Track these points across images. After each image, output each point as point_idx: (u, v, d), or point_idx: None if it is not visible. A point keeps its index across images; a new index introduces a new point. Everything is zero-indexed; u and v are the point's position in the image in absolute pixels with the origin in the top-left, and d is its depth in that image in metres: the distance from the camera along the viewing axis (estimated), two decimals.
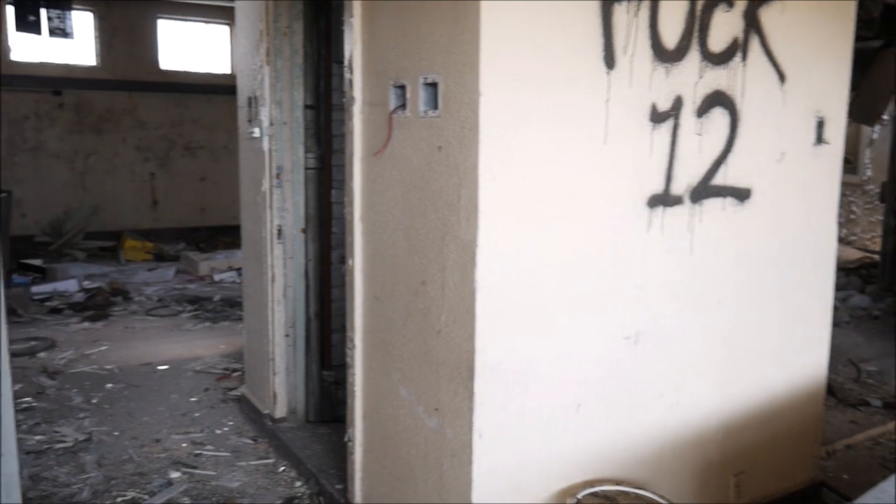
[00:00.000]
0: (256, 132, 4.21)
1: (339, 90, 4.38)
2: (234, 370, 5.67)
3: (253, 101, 4.31)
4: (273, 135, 4.15)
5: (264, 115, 4.15)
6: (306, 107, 4.24)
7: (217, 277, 9.08)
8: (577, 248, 2.66)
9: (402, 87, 2.76)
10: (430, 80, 2.60)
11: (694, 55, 2.83)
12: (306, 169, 4.27)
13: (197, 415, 4.84)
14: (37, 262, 9.56)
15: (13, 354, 5.95)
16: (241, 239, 4.84)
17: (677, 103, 2.82)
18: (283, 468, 4.06)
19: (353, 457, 3.27)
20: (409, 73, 2.71)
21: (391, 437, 3.01)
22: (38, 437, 4.41)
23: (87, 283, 8.61)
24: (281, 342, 4.33)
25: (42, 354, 6.06)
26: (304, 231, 4.31)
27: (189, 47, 12.43)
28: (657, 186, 2.82)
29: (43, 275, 8.79)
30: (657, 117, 2.76)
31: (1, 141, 11.07)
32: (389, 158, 2.87)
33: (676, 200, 2.88)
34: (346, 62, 3.06)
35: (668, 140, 2.81)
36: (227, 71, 12.68)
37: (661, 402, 3.00)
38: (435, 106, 2.60)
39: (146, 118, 12.03)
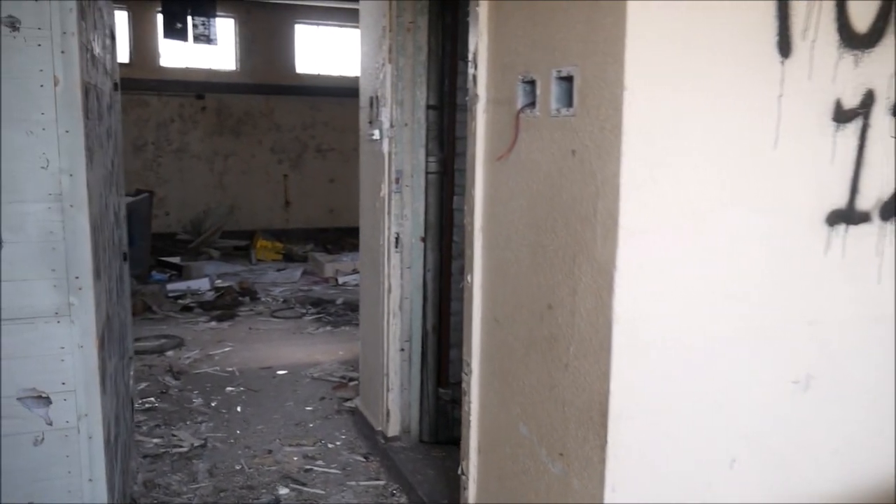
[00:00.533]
0: (376, 134, 4.00)
1: (464, 89, 4.09)
2: (351, 379, 5.51)
3: (374, 102, 4.10)
4: (393, 137, 3.92)
5: (385, 115, 3.93)
6: (429, 107, 3.98)
7: (341, 280, 9.07)
8: (737, 273, 2.21)
9: (532, 83, 2.42)
10: (564, 74, 2.24)
11: (890, 40, 2.31)
12: (427, 173, 4.02)
13: (311, 425, 4.69)
14: (174, 259, 9.92)
15: (143, 352, 6.09)
16: (360, 245, 4.65)
17: (868, 99, 2.30)
18: (393, 492, 3.81)
19: (466, 492, 2.95)
20: (539, 66, 2.37)
21: (508, 478, 2.68)
22: (155, 440, 4.39)
23: (218, 282, 8.82)
24: (395, 357, 4.09)
25: (170, 353, 6.16)
26: (423, 240, 4.05)
27: (323, 51, 12.62)
28: (839, 200, 2.32)
29: (179, 272, 9.10)
30: (842, 116, 2.27)
31: (149, 143, 11.65)
32: (515, 163, 2.53)
33: (863, 217, 2.37)
34: (470, 56, 2.76)
35: (855, 143, 2.31)
36: (359, 74, 12.75)
37: (835, 460, 2.49)
38: (569, 103, 2.24)
39: (281, 121, 12.31)
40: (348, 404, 4.99)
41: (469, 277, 2.85)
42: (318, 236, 12.55)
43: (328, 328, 7.08)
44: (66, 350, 2.06)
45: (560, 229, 2.29)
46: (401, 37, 3.86)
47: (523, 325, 2.53)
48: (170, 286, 8.22)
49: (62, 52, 1.95)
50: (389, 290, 4.02)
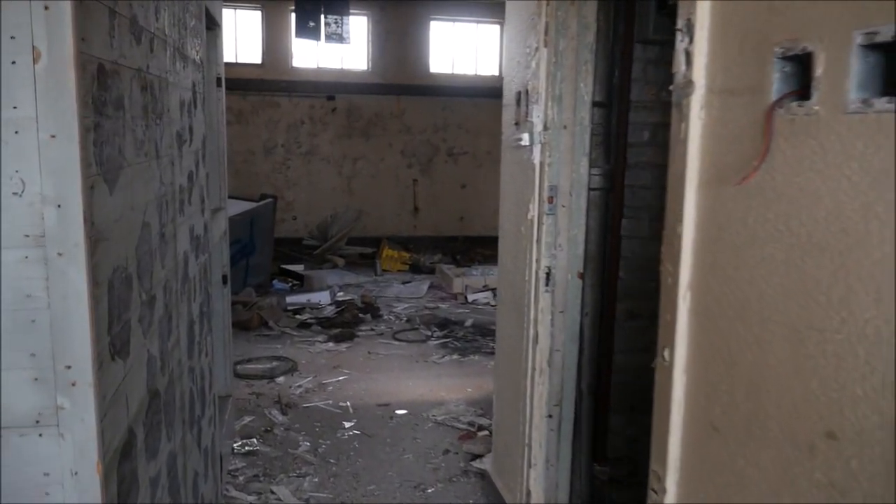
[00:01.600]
0: (525, 139, 3.11)
1: (641, 81, 3.15)
2: (480, 427, 4.66)
3: (522, 98, 3.22)
4: (548, 142, 3.02)
5: (537, 115, 3.04)
6: (594, 104, 3.06)
7: (471, 298, 8.26)
8: None
9: (801, 58, 1.46)
10: (879, 38, 1.27)
11: None
12: (590, 190, 3.09)
13: (431, 490, 3.88)
14: (297, 268, 9.49)
15: (253, 377, 5.51)
16: (498, 277, 3.80)
17: None
18: None
19: None
20: (821, 28, 1.41)
21: None
22: (251, 498, 3.72)
23: (340, 294, 8.25)
24: (541, 425, 3.19)
25: (281, 379, 5.56)
26: (582, 276, 3.12)
27: (457, 49, 11.90)
28: None
29: (301, 282, 8.61)
30: None
31: (278, 145, 11.34)
32: (764, 189, 1.58)
33: None
34: (680, 23, 1.82)
35: None
36: (494, 72, 11.95)
37: None
38: (887, 90, 1.27)
39: (412, 122, 11.70)
40: (477, 464, 4.14)
41: (666, 354, 1.91)
42: (446, 245, 11.84)
43: (455, 356, 6.28)
44: (52, 478, 1.32)
45: (855, 304, 1.32)
46: (561, 12, 2.95)
47: (772, 450, 1.56)
48: (289, 298, 7.70)
49: (45, 7, 1.20)
50: (535, 340, 3.12)
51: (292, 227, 11.47)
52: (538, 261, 3.07)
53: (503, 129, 3.60)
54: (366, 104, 11.49)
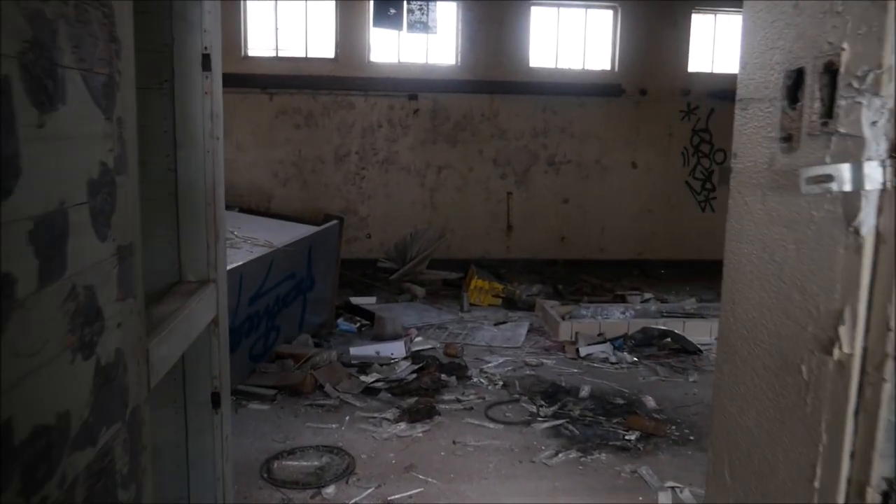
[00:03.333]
0: (833, 176, 1.33)
1: None
2: None
3: (812, 83, 1.44)
4: None
5: (872, 118, 1.26)
6: None
7: (584, 351, 6.47)
8: None
9: None
10: None
11: None
12: None
13: None
14: (369, 301, 7.93)
15: (292, 484, 3.92)
16: (718, 341, 2.03)
17: None
18: None
19: None
20: None
21: None
22: None
23: (418, 340, 6.62)
24: None
25: (330, 490, 3.94)
26: None
27: (562, 40, 10.10)
28: None
29: (371, 321, 7.03)
30: None
31: (352, 152, 9.84)
32: None
33: None
34: None
35: None
36: (606, 66, 10.10)
37: None
38: None
39: (507, 126, 9.98)
40: None
41: None
42: (544, 270, 10.07)
43: (573, 453, 4.51)
44: None
45: None
46: None
47: None
48: (354, 350, 6.11)
49: None
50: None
51: (366, 247, 9.94)
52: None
53: (736, 148, 1.82)
54: (453, 104, 9.86)
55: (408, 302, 8.26)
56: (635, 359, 6.41)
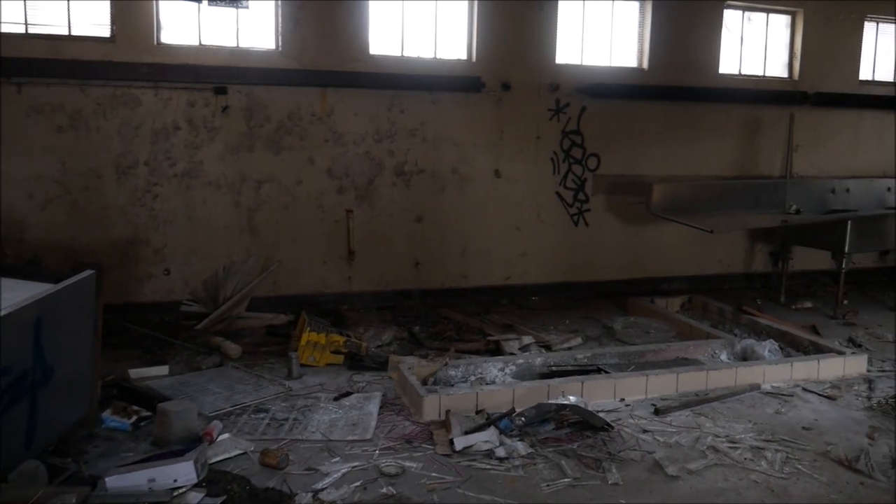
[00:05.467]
0: None
1: None
2: None
3: None
4: None
5: None
6: None
7: (460, 443, 4.62)
8: None
9: None
10: None
11: None
12: None
13: None
14: (158, 373, 5.70)
15: None
16: None
17: None
18: None
19: None
20: None
21: None
22: None
23: (224, 440, 4.52)
24: None
25: None
26: None
27: (411, 23, 8.25)
28: None
29: (151, 412, 4.82)
30: None
31: (140, 162, 7.45)
32: None
33: None
34: None
35: None
36: (462, 56, 8.38)
37: None
38: None
39: (344, 127, 7.99)
40: None
41: None
42: (397, 305, 8.21)
43: None
44: None
45: None
46: None
47: None
48: (112, 480, 3.89)
49: None
50: None
51: (164, 287, 7.60)
52: None
53: None
54: (275, 100, 7.74)
55: (216, 368, 6.08)
56: (530, 447, 4.67)
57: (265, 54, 7.71)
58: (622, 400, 5.59)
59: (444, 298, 8.39)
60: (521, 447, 4.62)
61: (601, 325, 7.82)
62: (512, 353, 6.40)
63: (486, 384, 5.67)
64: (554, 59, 8.62)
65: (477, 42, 8.30)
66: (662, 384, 5.75)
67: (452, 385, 5.68)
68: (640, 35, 9.04)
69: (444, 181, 8.40)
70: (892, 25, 10.44)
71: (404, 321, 7.59)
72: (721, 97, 9.32)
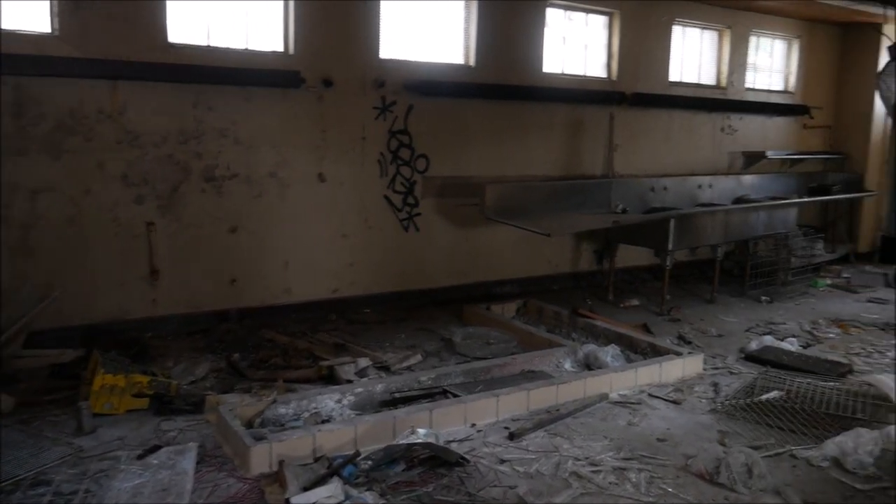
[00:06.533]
0: None
1: None
2: None
3: None
4: None
5: None
6: None
7: (297, 500, 3.90)
8: None
9: None
10: None
11: None
12: None
13: None
14: None
15: None
16: None
17: None
18: None
19: None
20: None
21: None
22: None
23: None
24: None
25: None
26: None
27: (217, 9, 7.29)
28: None
29: None
30: None
31: None
32: None
33: None
34: None
35: None
36: (279, 47, 7.54)
37: None
38: None
39: (141, 127, 6.88)
40: None
41: None
42: (212, 328, 7.25)
43: None
44: None
45: None
46: None
47: None
48: None
49: None
50: None
51: None
52: None
53: None
54: (52, 94, 6.47)
55: None
56: (381, 497, 4.05)
57: (39, 39, 6.42)
58: (473, 426, 5.13)
59: (266, 317, 7.53)
60: (371, 498, 3.99)
61: (439, 337, 7.35)
62: (349, 381, 5.73)
63: (324, 421, 4.96)
64: (378, 53, 8.02)
65: (295, 33, 7.50)
66: (513, 403, 5.36)
67: (284, 426, 4.91)
68: (467, 31, 8.68)
69: (262, 186, 7.53)
70: (697, 30, 10.93)
71: (221, 348, 6.67)
72: (546, 96, 9.21)
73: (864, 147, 12.51)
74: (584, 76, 9.76)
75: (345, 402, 5.27)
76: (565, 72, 9.58)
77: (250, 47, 7.41)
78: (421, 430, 4.67)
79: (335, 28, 7.70)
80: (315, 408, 5.13)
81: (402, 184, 8.40)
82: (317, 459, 4.37)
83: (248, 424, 4.80)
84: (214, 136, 7.21)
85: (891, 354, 7.23)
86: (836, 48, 12.66)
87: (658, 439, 5.06)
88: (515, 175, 9.12)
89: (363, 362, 6.14)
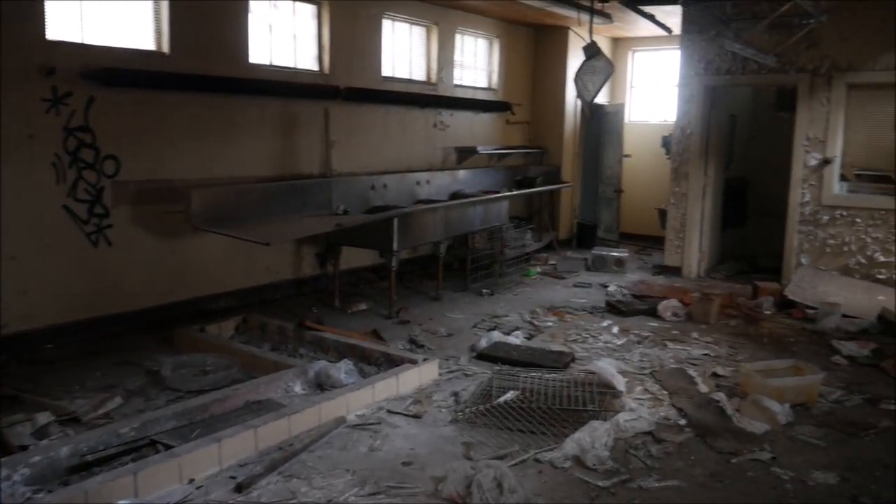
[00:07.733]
0: None
1: None
2: None
3: None
4: None
5: None
6: None
7: None
8: None
9: None
10: None
11: None
12: None
13: None
14: None
15: None
16: None
17: None
18: None
19: None
20: None
21: None
22: None
23: None
24: None
25: None
26: None
27: None
28: None
29: None
30: None
31: None
32: None
33: None
34: None
35: None
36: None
37: None
38: None
39: None
40: None
41: None
42: None
43: None
44: None
45: None
46: None
47: None
48: None
49: None
50: None
51: None
52: None
53: None
54: None
55: None
56: None
57: None
58: (192, 481, 4.28)
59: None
60: None
61: (144, 370, 6.27)
62: (22, 447, 4.52)
63: None
64: (43, 32, 6.62)
65: None
66: (239, 446, 4.60)
67: None
68: (157, 12, 7.55)
69: None
70: (406, 25, 10.83)
71: None
72: (255, 89, 8.40)
73: (559, 141, 13.48)
74: (296, 69, 9.12)
75: (16, 478, 4.10)
76: (274, 63, 8.85)
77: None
78: (122, 502, 3.74)
79: None
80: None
81: (86, 191, 7.07)
82: None
83: None
84: None
85: (603, 338, 7.64)
86: (531, 48, 13.47)
87: (403, 463, 4.66)
88: (225, 176, 8.21)
89: (42, 418, 4.90)
